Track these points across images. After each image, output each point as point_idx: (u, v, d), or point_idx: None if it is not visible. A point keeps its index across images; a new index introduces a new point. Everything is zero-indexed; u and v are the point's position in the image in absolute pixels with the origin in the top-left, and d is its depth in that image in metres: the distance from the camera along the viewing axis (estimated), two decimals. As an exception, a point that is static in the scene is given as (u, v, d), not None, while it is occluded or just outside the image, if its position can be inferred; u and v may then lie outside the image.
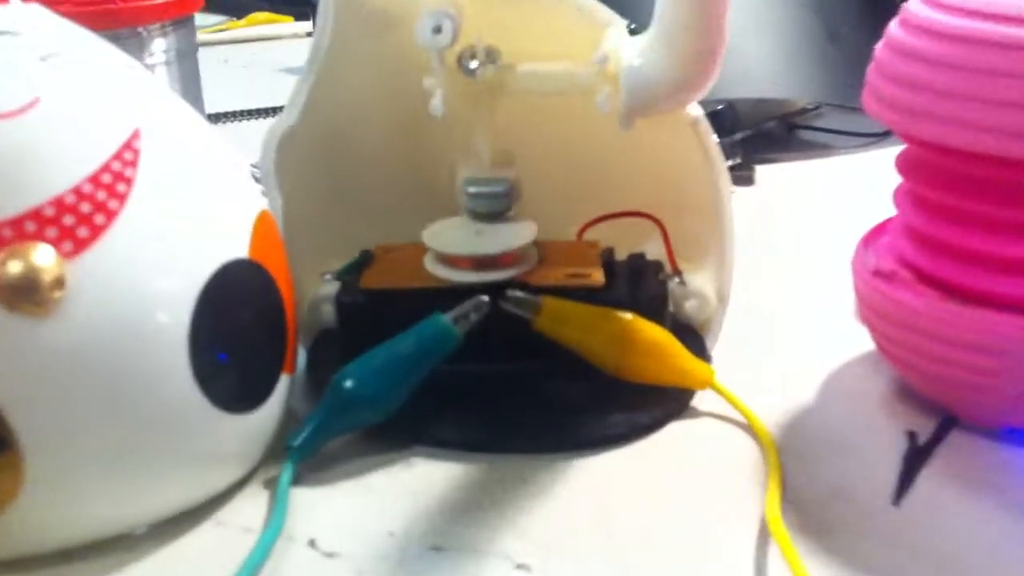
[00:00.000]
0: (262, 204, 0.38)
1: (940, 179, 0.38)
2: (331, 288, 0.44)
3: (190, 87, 0.66)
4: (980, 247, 0.37)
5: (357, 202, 0.47)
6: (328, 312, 0.44)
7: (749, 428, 0.40)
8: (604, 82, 0.41)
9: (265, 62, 0.98)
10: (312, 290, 0.45)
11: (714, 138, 0.43)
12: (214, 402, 0.34)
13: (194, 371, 0.33)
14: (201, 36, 0.96)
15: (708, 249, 0.45)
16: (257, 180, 0.41)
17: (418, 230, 0.44)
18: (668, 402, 0.41)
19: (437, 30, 0.40)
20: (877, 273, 0.40)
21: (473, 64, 0.41)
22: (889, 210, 0.42)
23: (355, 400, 0.38)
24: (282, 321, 0.38)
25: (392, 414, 0.39)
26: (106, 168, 0.33)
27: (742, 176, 0.64)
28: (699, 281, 0.45)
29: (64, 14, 0.59)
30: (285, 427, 0.39)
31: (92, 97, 0.34)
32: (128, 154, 0.34)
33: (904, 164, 0.40)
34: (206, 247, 0.35)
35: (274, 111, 0.81)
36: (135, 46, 0.63)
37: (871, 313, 0.41)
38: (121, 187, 0.33)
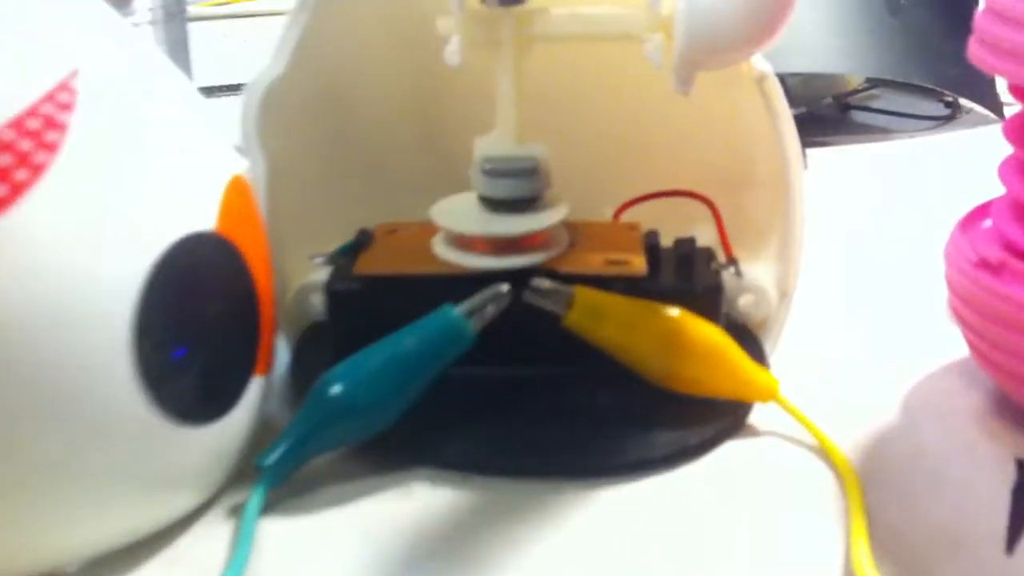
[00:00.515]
0: (237, 167, 0.31)
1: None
2: (321, 274, 0.37)
3: (177, 52, 0.60)
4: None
5: (355, 172, 0.40)
6: (318, 302, 0.37)
7: (822, 451, 0.33)
8: (655, 27, 0.34)
9: (267, 37, 0.91)
10: (300, 276, 0.38)
11: (783, 100, 0.36)
12: (164, 411, 0.27)
13: (138, 371, 0.26)
14: (199, 9, 0.90)
15: (769, 235, 0.38)
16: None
17: (427, 207, 0.37)
18: (721, 418, 0.34)
19: (455, -39, 0.33)
20: (981, 264, 0.33)
21: (499, 3, 0.34)
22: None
23: (343, 410, 0.31)
24: (254, 310, 0.31)
25: (388, 428, 0.32)
26: (33, 111, 0.26)
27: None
28: (757, 272, 0.38)
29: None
30: (259, 440, 0.32)
31: (20, 24, 0.27)
32: (63, 95, 0.27)
33: (1016, 131, 0.33)
34: (160, 216, 0.28)
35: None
36: (117, 2, 0.56)
37: (970, 311, 0.34)
38: (52, 135, 0.26)
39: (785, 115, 0.36)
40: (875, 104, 0.65)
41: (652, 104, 0.38)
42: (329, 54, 0.37)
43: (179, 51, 0.60)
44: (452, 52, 0.35)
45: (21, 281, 0.25)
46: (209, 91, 0.72)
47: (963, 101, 0.64)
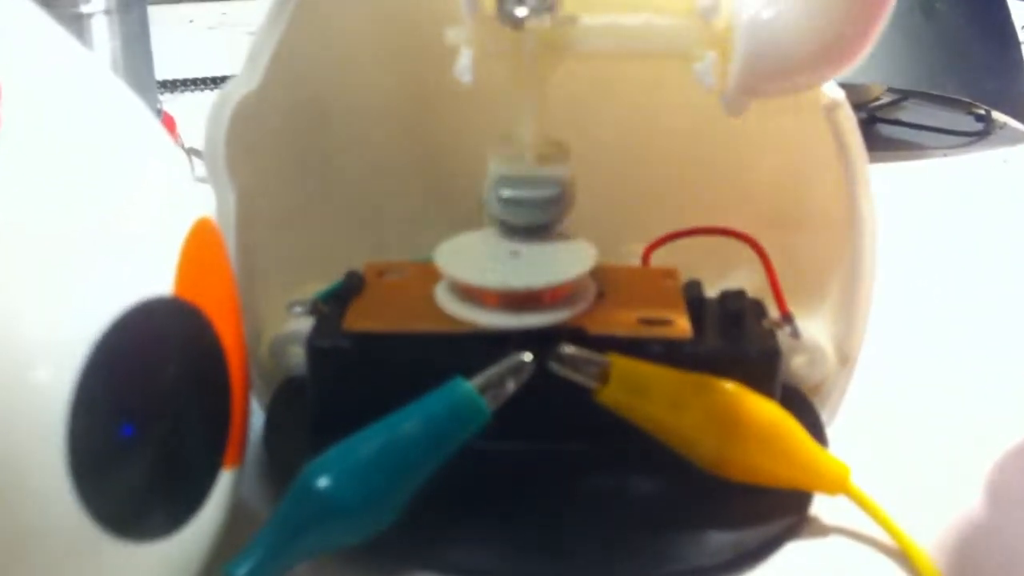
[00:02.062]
0: (199, 209, 0.25)
1: None
2: (301, 323, 0.31)
3: (135, 46, 0.54)
4: None
5: (339, 202, 0.34)
6: (297, 355, 0.32)
7: (900, 553, 0.28)
8: (708, 43, 0.28)
9: (236, 22, 0.86)
10: (275, 324, 0.32)
11: (859, 135, 0.30)
12: (106, 521, 0.21)
13: (75, 476, 0.21)
14: (162, -9, 0.84)
15: (827, 285, 0.33)
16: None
17: (425, 245, 0.32)
18: (783, 513, 0.29)
19: (469, -39, 0.28)
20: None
21: (521, 12, 0.28)
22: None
23: (332, 510, 0.25)
24: (223, 389, 0.25)
25: (385, 528, 0.26)
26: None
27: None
28: (812, 329, 0.33)
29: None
30: (230, 536, 0.26)
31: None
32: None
33: None
34: (105, 280, 0.22)
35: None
36: None
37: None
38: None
39: (858, 149, 0.30)
40: (904, 117, 0.60)
41: (693, 125, 0.33)
42: (309, 66, 0.32)
43: (139, 44, 0.54)
44: (463, 68, 0.29)
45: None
46: (171, 86, 0.66)
47: (996, 114, 0.58)
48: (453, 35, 0.29)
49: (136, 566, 0.23)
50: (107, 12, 0.52)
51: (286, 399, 0.32)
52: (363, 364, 0.30)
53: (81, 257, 0.21)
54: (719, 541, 0.28)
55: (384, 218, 0.35)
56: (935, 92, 0.57)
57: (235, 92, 0.30)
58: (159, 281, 0.23)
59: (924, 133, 0.59)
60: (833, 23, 0.27)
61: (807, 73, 0.28)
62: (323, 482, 0.25)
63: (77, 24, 0.51)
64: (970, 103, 0.59)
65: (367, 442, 0.26)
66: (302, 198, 0.33)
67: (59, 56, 0.24)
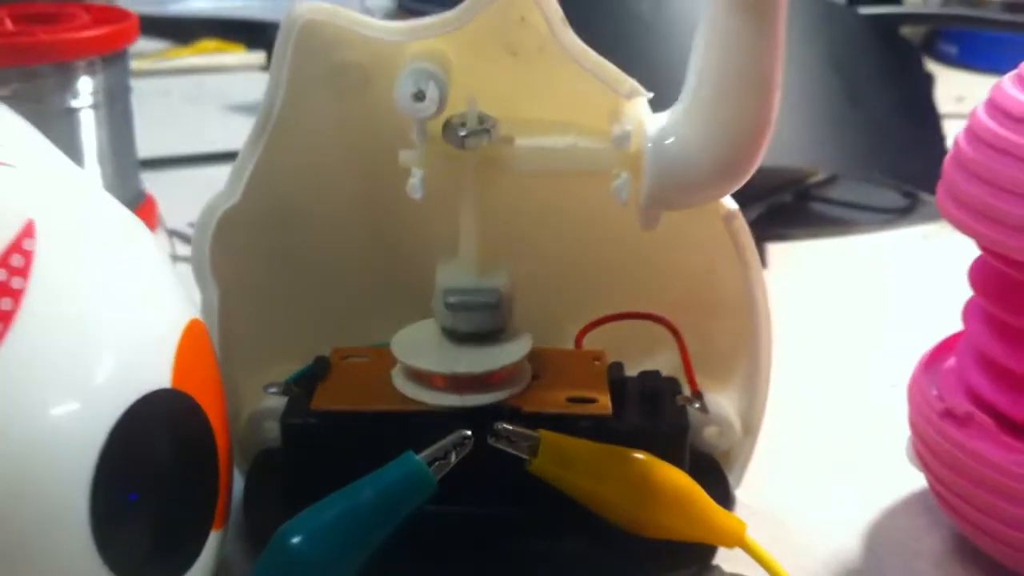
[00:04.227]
0: (190, 312, 0.30)
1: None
2: (274, 400, 0.36)
3: (121, 135, 0.58)
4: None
5: (309, 293, 0.39)
6: (271, 430, 0.36)
7: (788, 599, 0.33)
8: (623, 164, 0.33)
9: (213, 96, 0.90)
10: (252, 401, 0.37)
11: (751, 238, 0.35)
12: (119, 573, 0.26)
13: (95, 534, 0.25)
14: (139, 64, 0.88)
15: (734, 363, 0.38)
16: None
17: (384, 330, 0.37)
18: (688, 563, 0.34)
19: (419, 96, 0.33)
20: (946, 414, 0.33)
21: (462, 132, 0.33)
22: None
23: (302, 565, 0.30)
24: (213, 464, 0.30)
25: (349, 580, 0.31)
26: (-17, 278, 0.25)
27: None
28: (722, 402, 0.37)
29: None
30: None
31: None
32: (16, 258, 0.26)
33: (980, 279, 0.33)
34: (116, 378, 0.26)
35: (223, 157, 0.73)
36: (57, 85, 0.55)
37: (933, 459, 0.34)
38: (6, 303, 0.25)
39: (751, 251, 0.35)
40: (836, 194, 0.65)
41: (617, 228, 0.37)
42: (283, 179, 0.36)
43: (122, 134, 0.58)
44: (415, 185, 0.34)
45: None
46: (152, 164, 0.70)
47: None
48: (404, 158, 0.34)
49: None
50: (94, 106, 0.56)
51: (262, 468, 0.37)
52: (329, 438, 0.34)
53: (99, 360, 0.26)
54: (632, 589, 0.33)
55: (348, 307, 0.39)
56: (861, 176, 0.63)
57: (219, 206, 0.35)
58: (159, 376, 0.28)
59: (852, 211, 0.64)
60: (723, 151, 0.32)
61: (705, 190, 0.33)
62: (295, 540, 0.30)
63: (68, 118, 0.55)
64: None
65: (332, 507, 0.30)
66: (276, 291, 0.38)
67: (67, 184, 0.29)
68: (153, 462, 0.27)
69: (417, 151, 0.34)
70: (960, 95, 0.83)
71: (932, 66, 0.94)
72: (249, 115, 0.86)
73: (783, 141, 0.59)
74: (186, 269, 0.36)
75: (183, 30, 1.03)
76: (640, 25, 0.61)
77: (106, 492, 0.26)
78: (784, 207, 0.62)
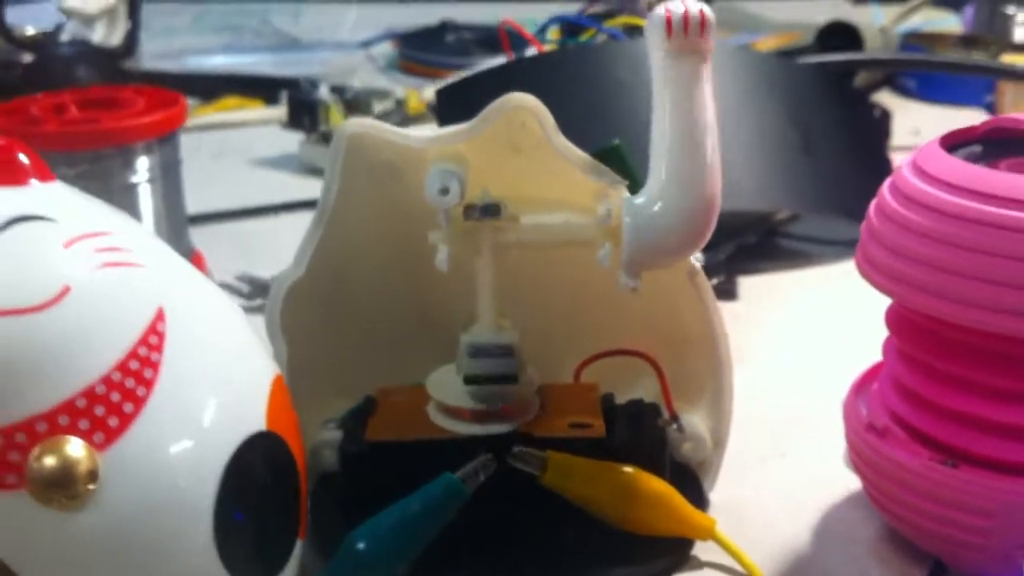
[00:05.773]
0: (275, 369, 0.39)
1: (932, 343, 0.40)
2: (334, 435, 0.44)
3: (174, 201, 0.66)
4: (974, 411, 0.38)
5: (357, 346, 0.48)
6: (329, 457, 0.45)
7: (750, 579, 0.41)
8: (606, 237, 0.42)
9: (238, 151, 0.98)
10: (313, 436, 0.45)
11: (710, 289, 0.44)
12: (234, 573, 0.35)
13: (220, 554, 0.34)
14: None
15: (704, 389, 0.46)
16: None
17: (419, 369, 0.45)
18: (670, 553, 0.42)
19: (444, 191, 0.41)
20: (870, 428, 0.41)
21: (478, 217, 0.42)
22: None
23: (367, 563, 0.38)
24: (296, 488, 0.38)
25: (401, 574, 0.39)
26: (133, 354, 0.33)
27: (725, 290, 0.65)
28: (695, 421, 0.46)
29: (50, 133, 0.61)
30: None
31: (118, 279, 0.34)
32: (153, 338, 0.34)
33: (893, 321, 0.42)
34: (227, 424, 0.35)
35: (255, 212, 0.82)
36: (120, 165, 0.62)
37: (863, 465, 0.42)
38: (148, 373, 0.34)
39: (711, 303, 0.44)
40: (797, 230, 0.73)
41: (602, 284, 0.46)
42: (339, 255, 0.45)
43: (175, 202, 0.66)
44: (441, 259, 0.42)
45: (132, 489, 0.32)
46: (192, 220, 0.78)
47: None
48: (433, 237, 0.43)
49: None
50: (151, 180, 0.64)
51: (323, 488, 0.45)
52: (380, 463, 0.43)
53: (215, 410, 0.35)
54: (625, 571, 0.41)
55: (387, 354, 0.48)
56: (817, 213, 0.71)
57: (287, 278, 0.44)
58: (258, 420, 0.36)
59: (812, 244, 0.73)
60: (684, 222, 0.41)
61: (672, 254, 0.42)
62: (361, 545, 0.39)
63: (128, 192, 0.62)
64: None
65: (389, 516, 0.39)
66: (330, 343, 0.47)
67: (176, 270, 0.38)
68: (257, 488, 0.36)
69: (443, 232, 0.42)
70: (917, 128, 0.91)
71: (892, 99, 1.03)
72: (272, 169, 0.95)
73: (747, 188, 0.69)
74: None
75: (205, 88, 1.12)
76: (622, 87, 0.70)
77: (224, 512, 0.34)
78: (753, 244, 0.70)
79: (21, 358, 0.32)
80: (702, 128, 0.40)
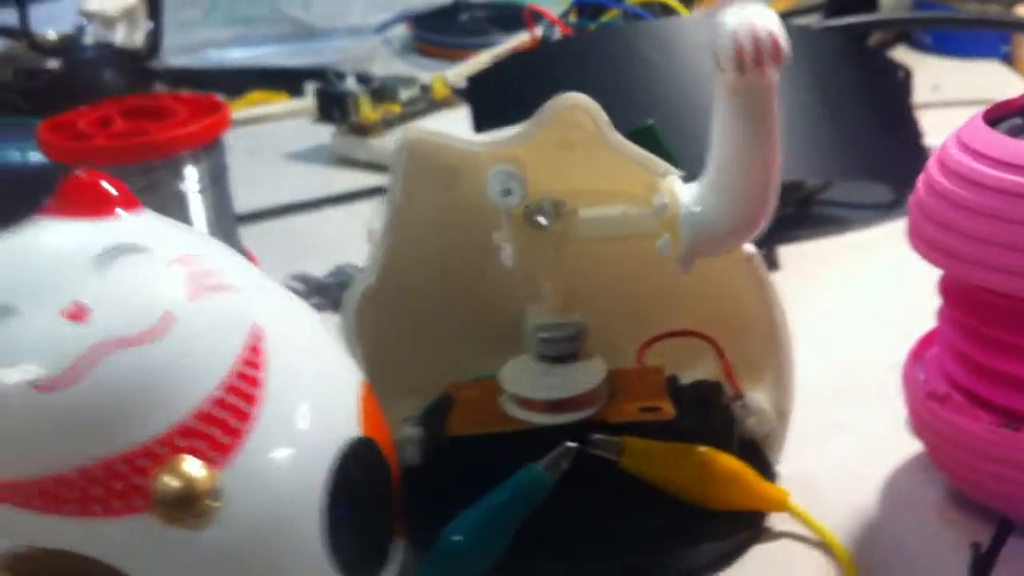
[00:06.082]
0: (361, 374, 0.41)
1: (985, 312, 0.41)
2: (414, 432, 0.46)
3: (223, 205, 0.67)
4: (1033, 376, 0.40)
5: (426, 344, 0.50)
6: (411, 453, 0.46)
7: (826, 547, 0.43)
8: (664, 228, 0.44)
9: (270, 147, 0.99)
10: (393, 432, 0.47)
11: (767, 272, 0.45)
12: (341, 570, 0.37)
13: (332, 558, 0.36)
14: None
15: (764, 365, 0.48)
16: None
17: (485, 364, 0.47)
18: (748, 527, 0.44)
19: (506, 192, 0.43)
20: (931, 395, 0.43)
21: (541, 219, 0.44)
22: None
23: (466, 554, 0.40)
24: (390, 488, 0.40)
25: (494, 562, 0.41)
26: (236, 373, 0.35)
27: (767, 261, 0.66)
28: (758, 397, 0.48)
29: (100, 148, 0.62)
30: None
31: (215, 301, 0.36)
32: (252, 355, 0.36)
33: (947, 290, 0.43)
34: (327, 432, 0.37)
35: (297, 208, 0.83)
36: (168, 175, 0.63)
37: (925, 430, 0.44)
38: (251, 389, 0.35)
39: (768, 283, 0.46)
40: (830, 196, 0.75)
41: (663, 273, 0.47)
42: (402, 258, 0.47)
43: (225, 207, 0.67)
44: (506, 257, 0.44)
45: (251, 503, 0.34)
46: (241, 219, 0.79)
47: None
48: (497, 237, 0.44)
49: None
50: (201, 189, 0.65)
51: (405, 486, 0.47)
52: (463, 456, 0.45)
53: (317, 418, 0.37)
54: (708, 547, 0.43)
55: (453, 349, 0.49)
56: (848, 180, 0.73)
57: (360, 285, 0.46)
58: (354, 426, 0.38)
59: (847, 210, 0.74)
60: (739, 213, 0.42)
61: (727, 244, 0.44)
62: (456, 537, 0.41)
63: (180, 200, 0.64)
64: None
65: (480, 508, 0.41)
66: (401, 343, 0.49)
67: (267, 288, 0.40)
68: (358, 492, 0.38)
69: (506, 231, 0.44)
70: (936, 83, 0.92)
71: (909, 55, 1.04)
72: (307, 163, 0.96)
73: (781, 161, 0.69)
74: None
75: (230, 83, 1.13)
76: (652, 68, 0.71)
77: (331, 516, 0.36)
78: (790, 215, 0.71)
79: (137, 386, 0.33)
80: (765, 148, 0.41)
